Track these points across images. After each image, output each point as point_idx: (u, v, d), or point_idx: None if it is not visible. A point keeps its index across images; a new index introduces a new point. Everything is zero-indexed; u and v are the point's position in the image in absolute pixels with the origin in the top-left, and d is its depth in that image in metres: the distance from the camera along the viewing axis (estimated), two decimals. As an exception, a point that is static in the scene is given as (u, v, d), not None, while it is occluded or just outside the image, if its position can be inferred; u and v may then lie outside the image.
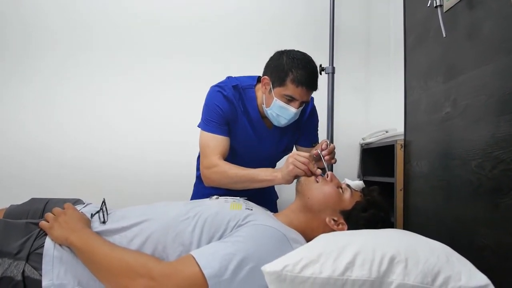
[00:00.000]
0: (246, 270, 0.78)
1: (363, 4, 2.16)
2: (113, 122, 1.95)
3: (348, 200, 1.01)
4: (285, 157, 1.25)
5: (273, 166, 1.54)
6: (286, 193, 1.91)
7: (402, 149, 1.44)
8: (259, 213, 0.98)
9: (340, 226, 0.98)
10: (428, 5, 1.11)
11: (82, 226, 0.88)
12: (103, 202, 0.99)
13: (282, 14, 2.08)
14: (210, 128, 1.31)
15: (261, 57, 1.35)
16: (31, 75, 1.91)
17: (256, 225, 0.89)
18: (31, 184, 1.85)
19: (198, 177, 1.51)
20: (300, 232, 0.97)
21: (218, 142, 1.30)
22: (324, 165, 1.18)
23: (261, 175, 1.20)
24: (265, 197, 1.53)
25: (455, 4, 1.07)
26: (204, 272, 0.75)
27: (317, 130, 1.52)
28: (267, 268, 0.72)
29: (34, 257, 0.84)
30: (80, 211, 0.97)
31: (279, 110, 1.27)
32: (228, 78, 1.39)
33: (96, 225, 0.93)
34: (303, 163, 1.09)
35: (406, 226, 1.39)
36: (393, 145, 1.49)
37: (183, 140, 1.91)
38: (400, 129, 1.55)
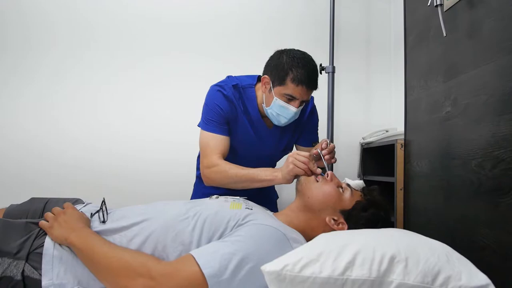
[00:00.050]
0: (246, 270, 0.78)
1: (363, 3, 2.16)
2: (113, 121, 1.95)
3: (348, 199, 1.01)
4: (285, 157, 1.25)
5: (273, 165, 1.54)
6: (286, 193, 1.91)
7: (402, 148, 1.44)
8: (259, 212, 0.97)
9: (340, 225, 0.98)
10: (429, 4, 1.11)
11: (81, 226, 0.88)
12: (103, 201, 0.99)
13: (283, 13, 2.08)
14: (210, 128, 1.31)
15: (261, 56, 1.35)
16: (31, 75, 1.91)
17: (256, 224, 0.89)
18: (31, 183, 1.85)
19: (198, 177, 1.51)
20: (300, 232, 0.96)
21: (218, 141, 1.30)
22: (324, 164, 1.17)
23: (261, 174, 1.20)
24: (265, 197, 1.53)
25: (455, 3, 1.07)
26: (204, 271, 0.75)
27: (317, 129, 1.52)
28: (267, 267, 0.72)
29: (34, 256, 0.84)
30: (79, 210, 0.97)
31: (279, 109, 1.27)
32: (228, 77, 1.39)
33: (96, 225, 0.93)
34: (303, 163, 1.09)
35: (406, 226, 1.39)
36: (393, 144, 1.49)
37: (183, 139, 1.91)
38: (401, 128, 1.55)
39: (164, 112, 1.98)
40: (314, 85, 1.25)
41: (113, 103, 1.95)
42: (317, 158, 1.20)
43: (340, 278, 0.69)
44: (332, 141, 1.75)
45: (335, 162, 1.27)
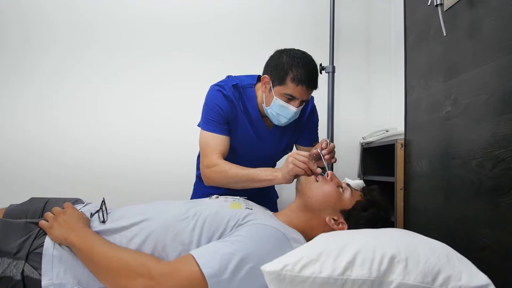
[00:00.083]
0: (245, 270, 0.78)
1: (363, 3, 2.16)
2: (113, 121, 1.95)
3: (348, 199, 1.01)
4: (285, 157, 1.25)
5: (273, 165, 1.54)
6: (286, 193, 1.91)
7: (403, 148, 1.44)
8: (259, 212, 0.97)
9: (340, 225, 0.98)
10: (429, 4, 1.11)
11: (81, 226, 0.88)
12: (103, 201, 0.99)
13: (283, 13, 2.08)
14: (210, 128, 1.31)
15: (261, 56, 1.35)
16: (31, 75, 1.91)
17: (256, 224, 0.89)
18: (30, 183, 1.85)
19: (198, 177, 1.51)
20: (300, 232, 0.96)
21: (218, 141, 1.30)
22: (324, 164, 1.17)
23: (261, 174, 1.19)
24: (265, 197, 1.53)
25: (455, 3, 1.07)
26: (204, 271, 0.75)
27: (317, 129, 1.52)
28: (267, 267, 0.72)
29: (34, 256, 0.84)
30: (79, 210, 0.97)
31: (279, 109, 1.27)
32: (228, 77, 1.39)
33: (96, 225, 0.93)
34: (303, 162, 1.09)
35: (407, 226, 1.39)
36: (394, 144, 1.49)
37: (183, 139, 1.91)
38: (401, 128, 1.55)
39: (164, 112, 1.98)
40: (314, 85, 1.25)
41: (113, 103, 1.95)
42: (317, 158, 1.20)
43: (340, 278, 0.69)
44: (332, 141, 1.75)
45: (335, 162, 1.27)
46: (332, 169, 1.75)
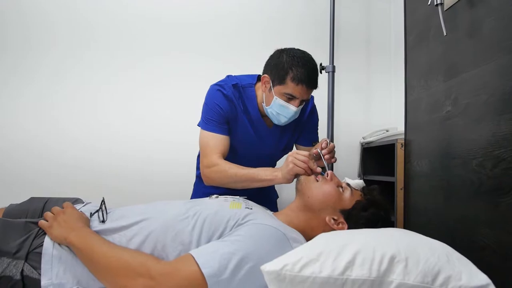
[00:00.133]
0: (245, 270, 0.78)
1: (363, 3, 2.16)
2: (113, 121, 1.95)
3: (348, 199, 1.01)
4: (285, 156, 1.25)
5: (273, 165, 1.54)
6: (286, 192, 1.91)
7: (403, 148, 1.44)
8: (258, 212, 0.97)
9: (340, 225, 0.98)
10: (429, 4, 1.11)
11: (81, 225, 0.88)
12: (103, 201, 0.99)
13: (283, 13, 2.08)
14: (210, 127, 1.31)
15: (261, 56, 1.35)
16: (31, 75, 1.91)
17: (255, 224, 0.89)
18: (30, 183, 1.85)
19: (198, 176, 1.51)
20: (300, 231, 0.96)
21: (218, 141, 1.30)
22: (324, 164, 1.17)
23: (261, 174, 1.19)
24: (265, 196, 1.53)
25: (455, 3, 1.07)
26: (203, 271, 0.75)
27: (317, 129, 1.52)
28: (267, 267, 0.72)
29: (33, 256, 0.83)
30: (79, 210, 0.97)
31: (279, 109, 1.26)
32: (228, 76, 1.39)
33: (96, 224, 0.93)
34: (303, 162, 1.09)
35: (407, 226, 1.39)
36: (394, 144, 1.49)
37: (183, 139, 1.91)
38: (401, 128, 1.55)
39: (164, 112, 1.98)
40: (314, 84, 1.25)
41: (113, 103, 1.95)
42: (317, 157, 1.20)
43: (340, 278, 0.69)
44: (332, 140, 1.75)
45: (335, 161, 1.27)
46: (332, 169, 1.75)
